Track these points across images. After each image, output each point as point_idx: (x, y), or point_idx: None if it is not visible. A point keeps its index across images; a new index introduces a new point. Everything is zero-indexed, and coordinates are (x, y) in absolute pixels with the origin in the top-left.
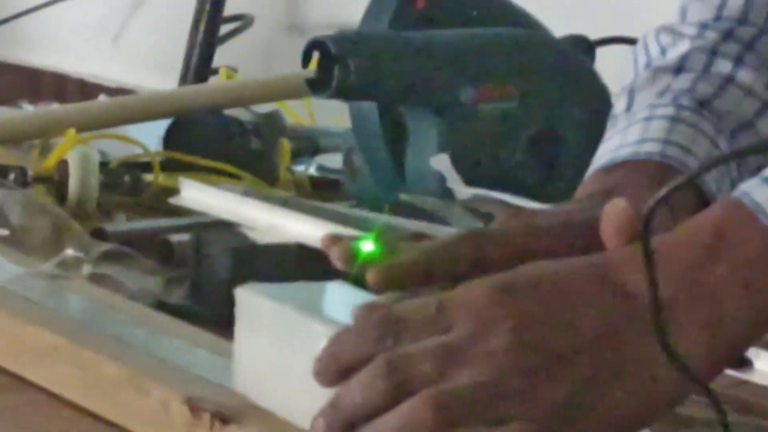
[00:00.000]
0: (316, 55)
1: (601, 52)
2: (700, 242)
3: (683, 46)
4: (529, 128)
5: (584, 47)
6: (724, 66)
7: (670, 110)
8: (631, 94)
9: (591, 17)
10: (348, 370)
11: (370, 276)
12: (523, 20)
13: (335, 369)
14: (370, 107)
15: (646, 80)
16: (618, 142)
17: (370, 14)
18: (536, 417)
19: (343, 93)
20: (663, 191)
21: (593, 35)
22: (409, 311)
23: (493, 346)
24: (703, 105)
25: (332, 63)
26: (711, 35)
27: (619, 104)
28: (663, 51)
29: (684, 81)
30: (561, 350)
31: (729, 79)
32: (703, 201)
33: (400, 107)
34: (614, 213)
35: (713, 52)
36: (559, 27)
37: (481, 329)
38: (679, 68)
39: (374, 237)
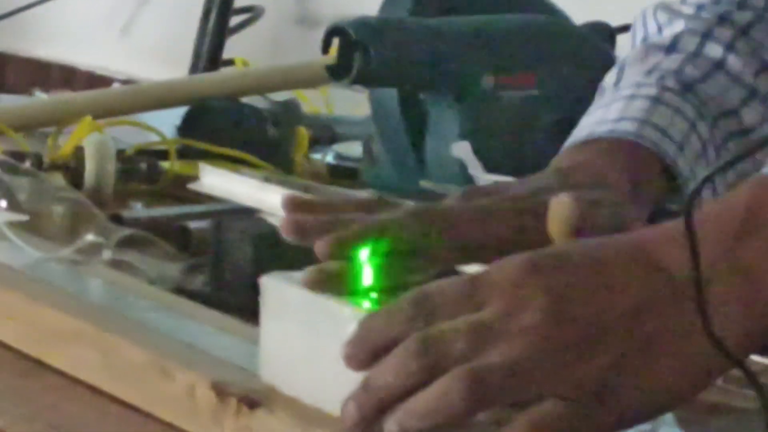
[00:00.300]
0: (335, 42)
1: (621, 39)
2: (733, 219)
3: (678, 26)
4: (550, 115)
5: (605, 34)
6: (715, 50)
7: (653, 90)
8: (622, 68)
9: (612, 4)
10: (379, 351)
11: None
12: (544, 7)
13: (366, 351)
14: (390, 94)
15: (638, 56)
16: (599, 117)
17: (389, 1)
18: (571, 394)
19: (364, 80)
20: (709, 171)
21: (614, 22)
22: (440, 290)
23: (526, 322)
24: (687, 88)
25: (353, 49)
26: (707, 17)
27: (609, 76)
28: (660, 28)
29: (673, 61)
30: (595, 326)
31: (718, 65)
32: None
33: (420, 94)
34: (559, 209)
35: (706, 35)
36: (580, 14)
37: (515, 306)
38: (671, 47)
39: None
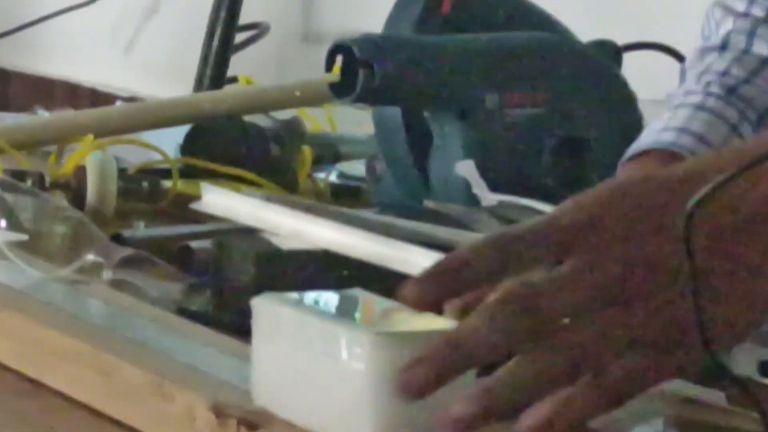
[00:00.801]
0: (339, 60)
1: (628, 58)
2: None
3: (728, 24)
4: (556, 134)
5: (611, 52)
6: (762, 47)
7: (698, 98)
8: (683, 73)
9: (618, 22)
10: (450, 296)
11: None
12: (550, 25)
13: (436, 293)
14: (394, 112)
15: (695, 58)
16: (652, 128)
17: (394, 19)
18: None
19: (368, 97)
20: (703, 192)
21: (620, 40)
22: (520, 234)
23: (611, 270)
24: (731, 91)
25: (356, 67)
26: (757, 12)
27: (680, 80)
28: (717, 26)
29: (723, 62)
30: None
31: (765, 61)
32: None
33: (424, 112)
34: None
35: (752, 33)
36: (585, 32)
37: (598, 256)
38: (723, 46)
39: None
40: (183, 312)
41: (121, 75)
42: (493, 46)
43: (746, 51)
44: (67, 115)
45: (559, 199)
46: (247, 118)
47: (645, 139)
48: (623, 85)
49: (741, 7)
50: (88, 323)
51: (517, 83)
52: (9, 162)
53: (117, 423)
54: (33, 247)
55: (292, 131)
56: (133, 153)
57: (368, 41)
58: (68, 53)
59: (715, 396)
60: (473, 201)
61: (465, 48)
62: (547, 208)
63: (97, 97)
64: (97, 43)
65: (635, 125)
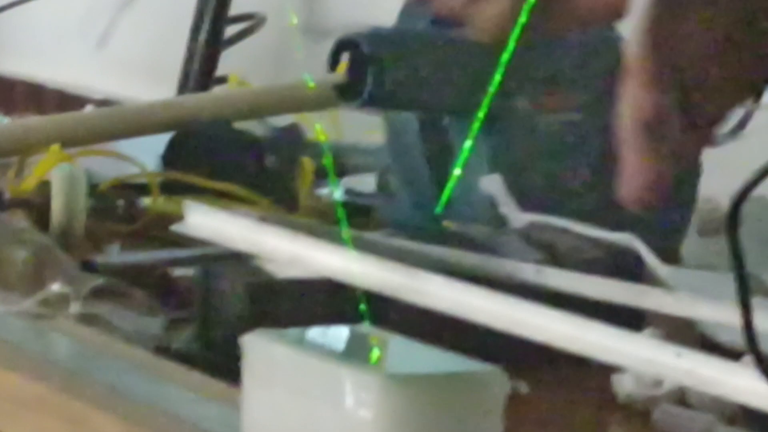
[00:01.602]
0: (345, 57)
1: None
2: None
3: None
4: (594, 144)
5: None
6: None
7: None
8: None
9: None
10: None
11: None
12: None
13: None
14: (408, 119)
15: None
16: None
17: (408, 10)
18: None
19: (378, 101)
20: (751, 180)
21: None
22: None
23: None
24: None
25: (365, 66)
26: None
27: None
28: None
29: None
30: None
31: None
32: None
33: (443, 119)
34: None
35: None
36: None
37: None
38: None
39: None
40: (163, 351)
41: (92, 74)
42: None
43: None
44: (29, 121)
45: (599, 219)
46: (239, 124)
47: None
48: None
49: None
50: (54, 365)
51: (550, 85)
52: None
53: None
54: None
55: (291, 140)
56: (106, 165)
57: (379, 36)
58: (30, 48)
59: None
60: (500, 221)
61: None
62: (585, 229)
63: (65, 100)
64: (65, 37)
65: None
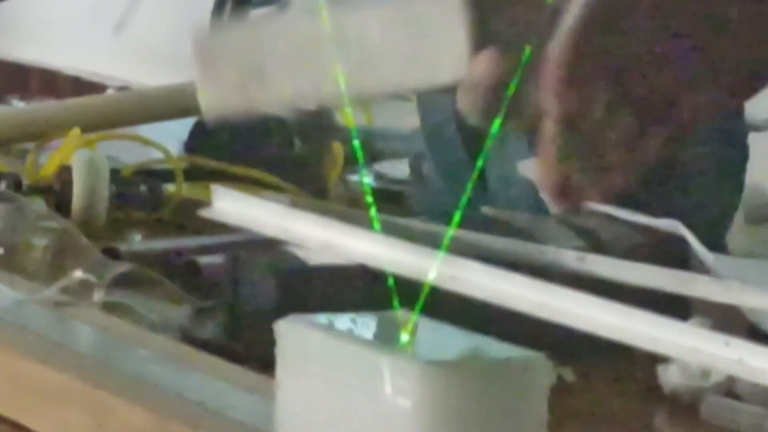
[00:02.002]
0: None
1: None
2: None
3: None
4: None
5: None
6: None
7: None
8: None
9: None
10: None
11: None
12: None
13: None
14: (443, 101)
15: None
16: None
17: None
18: None
19: None
20: None
21: None
22: None
23: None
24: None
25: None
26: None
27: None
28: None
29: None
30: None
31: None
32: None
33: None
34: None
35: None
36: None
37: None
38: None
39: None
40: (190, 340)
41: (109, 60)
42: None
43: None
44: (48, 105)
45: (642, 203)
46: None
47: None
48: None
49: None
50: (77, 354)
51: None
52: None
53: None
54: (9, 262)
55: (320, 124)
56: (129, 151)
57: None
58: (47, 35)
59: None
60: (539, 207)
61: None
62: (627, 214)
63: (81, 88)
64: (81, 23)
65: (734, 115)
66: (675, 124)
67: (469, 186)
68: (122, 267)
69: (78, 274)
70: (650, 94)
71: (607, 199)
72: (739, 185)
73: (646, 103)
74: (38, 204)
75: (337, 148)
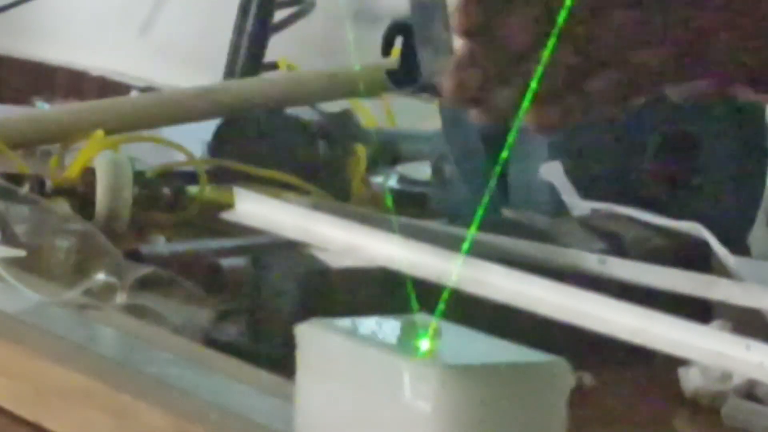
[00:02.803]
0: (398, 42)
1: None
2: None
3: None
4: (660, 129)
5: None
6: None
7: None
8: None
9: None
10: None
11: None
12: None
13: None
14: None
15: None
16: None
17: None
18: None
19: (433, 87)
20: None
21: None
22: None
23: None
24: None
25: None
26: None
27: None
28: None
29: None
30: None
31: None
32: None
33: None
34: None
35: None
36: None
37: None
38: None
39: None
40: (212, 343)
41: (135, 61)
42: None
43: None
44: (71, 107)
45: (663, 206)
46: (289, 110)
47: None
48: None
49: None
50: (99, 356)
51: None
52: (3, 164)
53: None
54: (32, 264)
55: (343, 127)
56: (152, 153)
57: None
58: (72, 35)
59: None
60: (561, 210)
61: None
62: (649, 217)
63: (107, 88)
64: (107, 24)
65: (755, 117)
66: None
67: (491, 188)
68: (145, 269)
69: (101, 276)
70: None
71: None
72: (760, 187)
73: (594, 44)
74: (61, 206)
75: (360, 150)
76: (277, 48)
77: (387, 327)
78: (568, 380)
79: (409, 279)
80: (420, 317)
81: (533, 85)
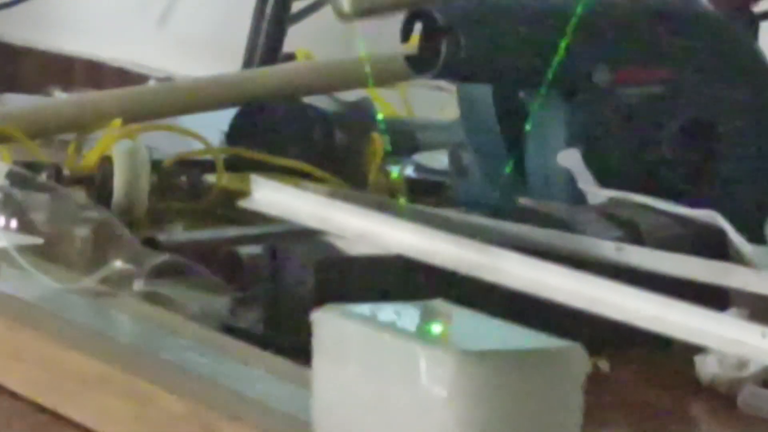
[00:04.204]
0: (418, 29)
1: (765, 27)
2: None
3: None
4: (678, 117)
5: (745, 20)
6: None
7: None
8: None
9: None
10: None
11: None
12: None
13: None
14: (483, 91)
15: None
16: None
17: None
18: None
19: (452, 72)
20: None
21: (756, 6)
22: None
23: None
24: None
25: (439, 37)
26: None
27: None
28: None
29: None
30: None
31: None
32: None
33: (520, 91)
34: None
35: None
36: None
37: None
38: None
39: None
40: (229, 330)
41: (153, 52)
42: (604, 11)
43: None
44: (89, 96)
45: (681, 195)
46: (306, 99)
47: None
48: (759, 58)
49: None
50: (117, 343)
51: (632, 56)
52: (21, 153)
53: None
54: (49, 252)
55: (361, 115)
56: (169, 141)
57: (453, 6)
58: (90, 25)
59: None
60: (578, 198)
61: (570, 13)
62: (665, 205)
63: (125, 78)
64: (125, 14)
65: None
66: None
67: (508, 177)
68: (162, 257)
69: (118, 264)
70: None
71: None
72: None
73: None
74: (79, 194)
75: (377, 138)
76: (295, 39)
77: (404, 313)
78: (584, 366)
79: (425, 266)
80: (437, 304)
81: None
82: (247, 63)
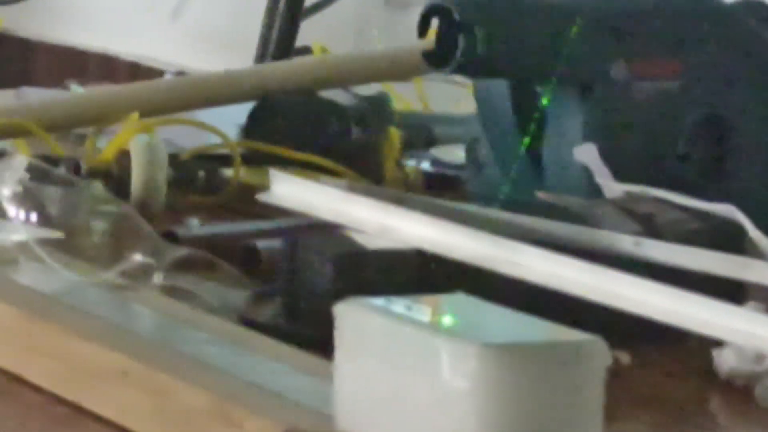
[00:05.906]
0: (434, 24)
1: None
2: None
3: None
4: (694, 112)
5: (762, 15)
6: None
7: None
8: None
9: None
10: None
11: None
12: None
13: None
14: (500, 86)
15: None
16: None
17: None
18: None
19: (469, 68)
20: None
21: None
22: None
23: None
24: None
25: (455, 32)
26: None
27: None
28: None
29: None
30: None
31: None
32: None
33: (537, 86)
34: None
35: None
36: None
37: None
38: None
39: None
40: (249, 323)
41: (166, 46)
42: (621, 6)
43: None
44: (106, 90)
45: (697, 189)
46: (323, 94)
47: None
48: None
49: None
50: (136, 336)
51: (648, 50)
52: (38, 147)
53: None
54: (68, 246)
55: (377, 110)
56: (187, 135)
57: (470, 1)
58: (105, 20)
59: None
60: (595, 192)
61: (586, 8)
62: (683, 199)
63: (139, 72)
64: (139, 9)
65: None
66: None
67: (525, 171)
68: (181, 251)
69: (137, 257)
70: None
71: None
72: None
73: None
74: (97, 188)
75: (394, 133)
76: (308, 32)
77: (424, 306)
78: (605, 359)
79: (443, 260)
80: (457, 297)
81: None
82: (261, 56)
